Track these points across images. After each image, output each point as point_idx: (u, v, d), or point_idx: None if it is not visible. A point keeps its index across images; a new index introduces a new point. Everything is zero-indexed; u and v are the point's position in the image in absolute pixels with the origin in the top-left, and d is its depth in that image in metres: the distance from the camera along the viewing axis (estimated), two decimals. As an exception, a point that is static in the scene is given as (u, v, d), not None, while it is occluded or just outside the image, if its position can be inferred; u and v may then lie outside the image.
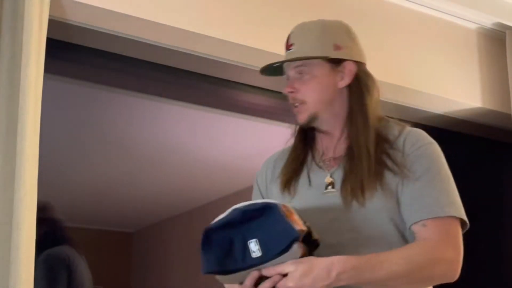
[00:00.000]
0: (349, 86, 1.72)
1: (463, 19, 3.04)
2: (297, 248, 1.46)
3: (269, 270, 1.49)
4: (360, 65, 1.74)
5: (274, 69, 1.80)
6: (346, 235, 1.63)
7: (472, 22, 3.07)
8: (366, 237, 1.62)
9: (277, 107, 2.85)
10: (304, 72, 1.71)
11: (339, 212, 1.64)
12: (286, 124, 3.20)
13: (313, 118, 1.71)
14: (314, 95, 1.70)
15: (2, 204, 1.88)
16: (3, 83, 1.96)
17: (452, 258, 1.60)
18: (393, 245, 1.61)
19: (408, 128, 1.71)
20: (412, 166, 1.63)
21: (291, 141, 1.82)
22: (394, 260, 1.56)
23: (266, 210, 1.47)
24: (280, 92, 2.77)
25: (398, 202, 1.63)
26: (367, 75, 1.75)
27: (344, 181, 1.66)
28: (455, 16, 3.02)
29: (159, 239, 7.16)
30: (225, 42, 2.44)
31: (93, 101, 3.98)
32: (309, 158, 1.76)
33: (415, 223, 1.61)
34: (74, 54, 2.37)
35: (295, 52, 1.72)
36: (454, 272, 1.61)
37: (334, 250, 1.57)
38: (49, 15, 2.06)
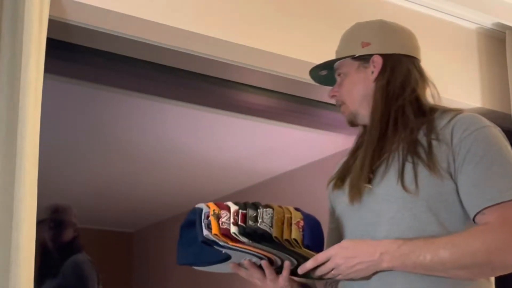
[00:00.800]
0: (376, 79, 1.75)
1: (463, 19, 3.04)
2: (227, 250, 1.54)
3: (315, 260, 1.56)
4: (390, 57, 1.76)
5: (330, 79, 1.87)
6: (370, 218, 1.63)
7: (472, 22, 3.07)
8: (385, 220, 1.61)
9: (277, 107, 2.85)
10: (341, 75, 1.80)
11: (366, 198, 1.65)
12: (286, 124, 3.22)
13: (354, 116, 1.77)
14: (349, 93, 1.78)
15: (2, 204, 1.88)
16: (3, 83, 1.96)
17: (509, 248, 1.51)
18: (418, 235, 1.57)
19: (459, 116, 1.65)
20: (466, 154, 1.58)
21: None
22: (442, 244, 1.52)
23: (194, 215, 1.58)
24: (280, 92, 2.79)
25: (445, 195, 1.58)
26: (397, 66, 1.76)
27: (378, 167, 1.66)
28: (455, 16, 3.02)
29: (159, 239, 7.15)
30: (225, 42, 2.44)
31: (93, 101, 3.98)
32: None
33: (475, 215, 1.55)
34: (74, 54, 2.37)
35: (326, 62, 1.84)
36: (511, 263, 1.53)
37: (369, 229, 1.62)
38: (49, 15, 2.06)
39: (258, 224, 1.54)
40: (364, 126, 1.78)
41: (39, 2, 2.01)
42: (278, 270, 1.61)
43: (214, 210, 1.55)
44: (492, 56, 3.15)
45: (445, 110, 1.70)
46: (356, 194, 1.65)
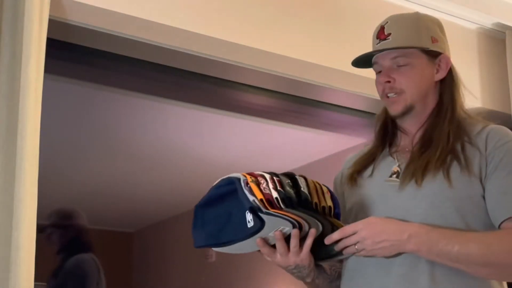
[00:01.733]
0: (443, 80, 1.74)
1: (463, 19, 3.04)
2: (269, 217, 1.48)
3: (342, 232, 1.55)
4: (450, 60, 1.77)
5: (363, 61, 1.77)
6: (396, 213, 1.61)
7: (472, 22, 3.07)
8: (410, 218, 1.59)
9: (277, 107, 2.85)
10: (403, 62, 1.70)
11: (392, 194, 1.64)
12: (286, 124, 3.22)
13: (409, 109, 1.71)
14: (413, 85, 1.70)
15: (2, 204, 1.88)
16: (3, 83, 1.95)
17: None
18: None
19: (492, 126, 1.67)
20: (498, 162, 1.60)
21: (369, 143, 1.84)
22: (472, 238, 1.53)
23: (232, 188, 1.53)
24: (279, 93, 2.79)
25: (472, 198, 1.60)
26: (457, 72, 1.78)
27: (408, 164, 1.66)
28: (455, 16, 3.02)
29: (159, 239, 7.15)
30: (225, 42, 2.44)
31: (93, 101, 3.98)
32: (385, 151, 1.76)
33: (503, 221, 1.57)
34: (74, 54, 2.37)
35: (393, 42, 1.70)
36: None
37: None
38: (49, 15, 2.06)
39: (300, 190, 1.52)
40: (385, 127, 1.77)
41: (39, 2, 2.01)
42: (301, 243, 1.57)
43: (251, 178, 1.52)
44: (492, 56, 3.15)
45: (474, 118, 1.73)
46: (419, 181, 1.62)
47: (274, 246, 1.57)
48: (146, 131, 4.53)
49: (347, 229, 1.56)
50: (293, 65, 2.60)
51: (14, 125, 1.92)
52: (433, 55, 1.73)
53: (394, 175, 1.67)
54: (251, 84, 2.73)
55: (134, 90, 2.80)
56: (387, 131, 1.78)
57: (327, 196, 1.58)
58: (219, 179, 1.60)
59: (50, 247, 3.49)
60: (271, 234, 1.53)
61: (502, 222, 1.57)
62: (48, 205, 3.62)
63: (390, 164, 1.71)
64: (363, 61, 1.77)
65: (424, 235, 1.53)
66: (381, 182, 1.69)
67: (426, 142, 1.68)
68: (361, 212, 1.68)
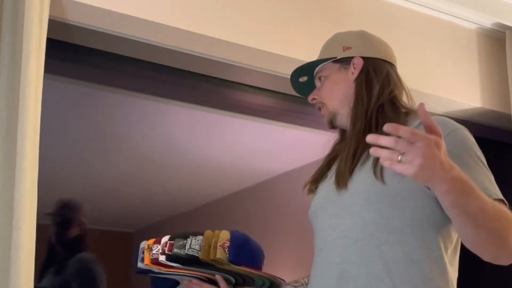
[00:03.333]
0: (357, 79, 1.80)
1: (463, 19, 3.04)
2: (168, 275, 1.82)
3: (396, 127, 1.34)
4: (370, 60, 1.82)
5: (307, 89, 1.91)
6: (336, 212, 1.67)
7: (472, 22, 3.07)
8: (349, 212, 1.64)
9: (277, 107, 2.85)
10: (321, 78, 1.85)
11: (334, 194, 1.70)
12: (286, 124, 3.22)
13: (334, 116, 1.81)
14: (329, 94, 1.83)
15: (2, 204, 1.88)
16: (3, 83, 1.95)
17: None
18: (383, 229, 1.60)
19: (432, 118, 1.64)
20: (449, 155, 1.53)
21: None
22: (490, 202, 1.48)
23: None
24: (280, 93, 2.79)
25: (409, 191, 1.59)
26: (377, 68, 1.81)
27: (339, 162, 1.74)
28: (455, 16, 3.02)
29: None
30: (225, 42, 2.44)
31: (93, 101, 3.98)
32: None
33: None
34: (74, 54, 2.37)
35: (312, 65, 1.88)
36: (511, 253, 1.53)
37: (333, 222, 1.67)
38: (49, 15, 2.06)
39: (186, 251, 1.75)
40: (342, 131, 1.84)
41: (39, 2, 2.01)
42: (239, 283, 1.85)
43: (148, 245, 1.80)
44: (492, 56, 3.15)
45: (415, 111, 1.75)
46: (343, 183, 1.67)
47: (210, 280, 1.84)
48: (146, 131, 4.53)
49: (417, 134, 1.36)
50: (293, 65, 2.59)
51: (14, 125, 1.92)
52: (347, 61, 1.83)
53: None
54: (251, 84, 2.73)
55: (134, 90, 2.79)
56: (336, 143, 1.87)
57: (219, 249, 1.77)
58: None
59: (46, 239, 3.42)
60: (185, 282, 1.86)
61: None
62: (48, 205, 3.63)
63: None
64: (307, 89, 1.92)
65: (462, 181, 1.41)
66: (328, 186, 1.75)
67: (347, 141, 1.76)
68: (314, 216, 1.77)
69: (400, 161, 1.34)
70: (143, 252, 1.82)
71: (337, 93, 1.81)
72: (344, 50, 1.84)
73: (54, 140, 4.39)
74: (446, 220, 1.59)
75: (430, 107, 3.02)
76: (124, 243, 7.59)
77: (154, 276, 1.85)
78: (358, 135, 1.71)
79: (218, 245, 1.77)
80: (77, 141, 4.73)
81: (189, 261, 1.76)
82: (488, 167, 1.65)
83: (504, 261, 1.58)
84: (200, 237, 1.78)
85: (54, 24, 2.13)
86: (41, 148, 1.97)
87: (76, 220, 3.58)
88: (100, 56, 2.41)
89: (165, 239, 1.80)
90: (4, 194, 1.89)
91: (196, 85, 2.64)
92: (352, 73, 1.81)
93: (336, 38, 1.90)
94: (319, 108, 1.85)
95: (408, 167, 1.34)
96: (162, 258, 1.78)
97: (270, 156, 4.97)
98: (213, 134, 4.54)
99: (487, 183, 1.59)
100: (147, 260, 1.80)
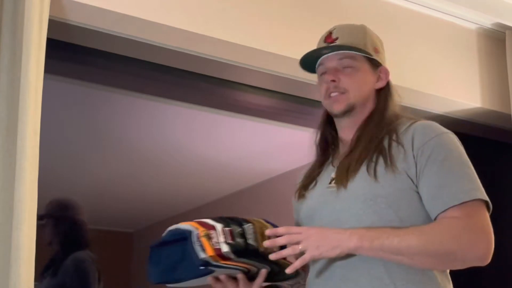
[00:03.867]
0: (380, 90, 1.82)
1: (463, 19, 3.04)
2: (220, 269, 1.58)
3: (288, 228, 1.60)
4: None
5: (309, 64, 1.86)
6: (335, 216, 1.68)
7: (472, 22, 3.07)
8: (348, 216, 1.66)
9: (277, 107, 2.85)
10: (348, 64, 1.78)
11: (331, 198, 1.71)
12: (286, 124, 3.22)
13: (351, 108, 1.77)
14: (357, 86, 1.77)
15: (2, 204, 1.88)
16: (3, 83, 1.96)
17: (478, 238, 1.59)
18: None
19: (417, 123, 1.73)
20: (428, 158, 1.65)
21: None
22: (410, 231, 1.59)
23: (185, 236, 1.59)
24: (279, 93, 2.79)
25: (402, 193, 1.65)
26: (392, 83, 1.86)
27: (338, 166, 1.74)
28: (455, 16, 3.02)
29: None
30: (225, 42, 2.44)
31: (93, 101, 3.98)
32: (328, 162, 1.83)
33: (439, 213, 1.61)
34: (74, 54, 2.37)
35: (341, 46, 1.78)
36: (483, 253, 1.59)
37: (331, 226, 1.66)
38: (49, 15, 2.06)
39: (247, 241, 1.60)
40: (326, 138, 1.85)
41: (39, 2, 2.01)
42: (249, 276, 1.67)
43: (203, 231, 1.58)
44: (492, 56, 3.15)
45: (405, 116, 1.80)
46: (345, 183, 1.69)
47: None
48: (146, 131, 4.53)
49: (293, 228, 1.62)
50: (293, 65, 2.59)
51: (14, 125, 1.92)
52: (375, 65, 1.82)
53: (333, 181, 1.73)
54: (251, 84, 2.73)
55: (134, 90, 2.79)
56: (327, 143, 1.86)
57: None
58: (170, 229, 1.67)
59: (43, 239, 3.38)
60: (221, 276, 1.63)
61: (439, 214, 1.62)
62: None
63: (330, 172, 1.77)
64: (309, 64, 1.86)
65: (365, 231, 1.58)
66: (322, 190, 1.76)
67: (354, 145, 1.75)
68: (306, 221, 1.77)
69: (302, 249, 1.56)
70: (198, 239, 1.56)
71: (363, 91, 1.79)
72: (375, 52, 1.82)
73: (54, 140, 4.39)
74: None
75: (430, 107, 3.03)
76: (124, 243, 7.60)
77: (183, 264, 1.60)
78: (366, 142, 1.72)
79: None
80: (77, 141, 4.73)
81: (248, 252, 1.60)
82: (472, 169, 1.68)
83: (477, 263, 1.62)
84: (251, 225, 1.63)
85: (54, 24, 2.13)
86: (41, 148, 1.97)
87: (68, 218, 3.54)
88: (100, 56, 2.41)
89: (217, 225, 1.60)
90: (4, 194, 1.89)
91: (196, 85, 2.64)
92: (378, 81, 1.82)
93: (367, 33, 1.84)
94: (334, 92, 1.77)
95: (309, 252, 1.56)
96: (226, 249, 1.57)
97: (269, 156, 4.97)
98: (213, 134, 4.54)
99: (465, 186, 1.63)
100: (210, 251, 1.55)
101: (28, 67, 1.94)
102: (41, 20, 2.01)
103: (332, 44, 1.79)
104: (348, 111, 1.77)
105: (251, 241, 1.60)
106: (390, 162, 1.66)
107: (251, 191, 5.77)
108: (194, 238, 1.56)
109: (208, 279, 1.65)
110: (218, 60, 2.52)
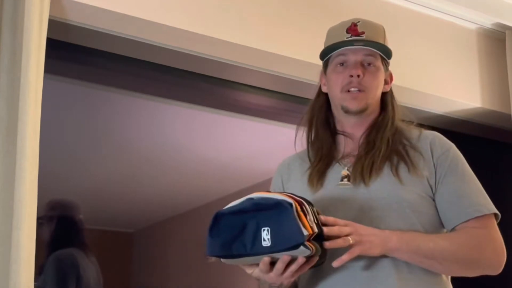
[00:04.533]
0: (386, 92, 1.82)
1: (463, 19, 3.04)
2: (304, 249, 1.45)
3: (335, 220, 1.53)
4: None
5: (326, 51, 1.80)
6: (353, 214, 1.62)
7: (472, 22, 3.07)
8: (369, 217, 1.62)
9: (277, 107, 2.85)
10: (372, 62, 1.75)
11: (348, 195, 1.67)
12: (286, 124, 3.22)
13: (366, 108, 1.75)
14: (375, 86, 1.76)
15: (2, 204, 1.88)
16: (3, 83, 1.95)
17: (499, 249, 1.66)
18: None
19: (428, 132, 1.77)
20: (447, 168, 1.69)
21: (303, 146, 1.87)
22: (441, 237, 1.65)
23: (279, 207, 1.47)
24: (279, 93, 2.79)
25: (424, 198, 1.67)
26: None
27: (355, 164, 1.70)
28: (455, 16, 3.02)
29: (159, 239, 7.15)
30: (225, 42, 2.44)
31: (93, 101, 3.98)
32: (334, 157, 1.79)
33: (462, 223, 1.66)
34: (74, 54, 2.37)
35: (371, 41, 1.74)
36: (500, 262, 1.66)
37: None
38: (49, 15, 2.06)
39: (319, 224, 1.51)
40: (337, 133, 1.81)
41: (39, 2, 2.01)
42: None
43: (298, 206, 1.47)
44: (492, 56, 3.15)
45: (409, 125, 1.81)
46: (367, 180, 1.67)
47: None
48: (146, 131, 4.53)
49: (339, 220, 1.55)
50: (293, 65, 2.60)
51: (14, 125, 1.92)
52: (386, 68, 1.82)
53: (345, 179, 1.70)
54: (251, 84, 2.73)
55: (134, 90, 2.79)
56: (329, 139, 1.81)
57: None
58: (261, 196, 1.52)
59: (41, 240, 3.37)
60: (286, 257, 1.49)
61: (459, 224, 1.66)
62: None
63: (338, 170, 1.72)
64: (325, 50, 1.80)
65: (402, 234, 1.60)
66: (333, 188, 1.70)
67: (370, 144, 1.73)
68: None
69: (352, 243, 1.52)
70: (297, 212, 1.44)
71: (378, 91, 1.78)
72: (391, 54, 1.80)
73: (54, 140, 4.39)
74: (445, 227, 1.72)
75: (430, 107, 3.02)
76: (124, 243, 7.60)
77: (247, 239, 1.47)
78: (385, 143, 1.72)
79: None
80: (77, 141, 4.73)
81: (318, 236, 1.49)
82: (478, 181, 1.74)
83: (491, 272, 1.69)
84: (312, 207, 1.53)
85: (54, 24, 2.13)
86: (41, 148, 1.97)
87: (56, 217, 3.54)
88: (100, 56, 2.41)
89: (302, 201, 1.49)
90: (4, 194, 1.89)
91: (196, 85, 2.64)
92: (387, 84, 1.82)
93: (385, 34, 1.81)
94: (356, 88, 1.73)
95: (358, 245, 1.53)
96: (316, 230, 1.46)
97: (269, 156, 4.97)
98: (213, 134, 4.54)
99: (481, 199, 1.70)
100: (309, 228, 1.44)
101: (28, 67, 1.94)
102: (41, 20, 2.01)
103: (362, 38, 1.74)
104: (364, 110, 1.74)
105: (320, 225, 1.50)
106: (413, 167, 1.67)
107: (251, 191, 5.71)
108: (295, 212, 1.45)
109: (265, 259, 1.49)
110: (218, 60, 2.52)
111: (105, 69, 2.49)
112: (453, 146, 1.75)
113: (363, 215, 1.63)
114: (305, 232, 1.43)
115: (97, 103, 4.03)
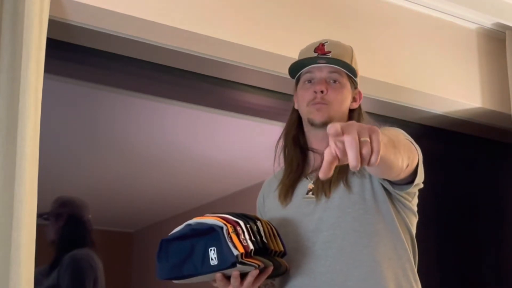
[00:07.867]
0: (353, 110, 1.91)
1: (463, 19, 3.04)
2: (242, 266, 1.59)
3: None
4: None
5: (290, 69, 1.94)
6: (313, 226, 1.75)
7: (472, 22, 3.07)
8: (327, 225, 1.74)
9: (277, 107, 2.85)
10: (337, 79, 1.87)
11: (311, 208, 1.78)
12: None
13: (330, 121, 1.81)
14: (340, 102, 1.86)
15: (2, 204, 1.88)
16: (3, 83, 1.96)
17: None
18: (362, 235, 1.72)
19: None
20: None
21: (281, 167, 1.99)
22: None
23: (211, 231, 1.60)
24: (279, 93, 2.79)
25: (370, 197, 1.75)
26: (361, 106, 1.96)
27: (317, 179, 1.81)
28: (455, 16, 3.02)
29: (159, 239, 7.14)
30: (225, 42, 2.44)
31: (93, 101, 3.98)
32: (304, 172, 1.90)
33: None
34: (74, 54, 2.37)
35: (335, 59, 1.87)
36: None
37: (310, 235, 1.74)
38: (49, 15, 2.06)
39: (263, 239, 1.63)
40: (302, 150, 1.90)
41: (39, 2, 2.01)
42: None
43: (231, 227, 1.59)
44: (492, 56, 3.15)
45: None
46: (327, 194, 1.77)
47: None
48: (146, 131, 4.53)
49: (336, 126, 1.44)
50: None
51: (14, 125, 1.92)
52: (354, 86, 1.92)
53: (310, 192, 1.82)
54: (251, 84, 2.73)
55: (134, 90, 2.79)
56: (304, 154, 1.92)
57: (277, 240, 1.68)
58: (189, 223, 1.67)
59: (46, 237, 3.36)
60: (234, 272, 1.63)
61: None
62: (48, 205, 3.62)
63: (305, 184, 1.86)
64: (291, 69, 1.93)
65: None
66: (299, 201, 1.83)
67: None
68: (283, 228, 1.78)
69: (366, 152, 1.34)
70: (228, 234, 1.58)
71: (343, 107, 1.87)
72: (356, 74, 1.90)
73: (54, 140, 4.39)
74: (405, 223, 1.79)
75: (430, 107, 3.03)
76: (124, 243, 7.59)
77: (193, 259, 1.63)
78: None
79: (275, 234, 1.68)
80: (76, 141, 4.72)
81: (262, 251, 1.62)
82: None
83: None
84: (259, 223, 1.66)
85: (54, 24, 2.14)
86: (41, 148, 1.96)
87: (69, 215, 3.53)
88: (100, 56, 2.41)
89: (239, 220, 1.62)
90: (4, 194, 1.89)
91: (196, 85, 2.64)
92: (355, 101, 1.90)
93: (353, 56, 1.92)
94: (320, 102, 1.84)
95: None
96: (251, 246, 1.59)
97: (269, 157, 4.97)
98: (213, 134, 4.54)
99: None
100: (241, 248, 1.58)
101: (28, 67, 1.94)
102: (41, 20, 2.01)
103: (327, 56, 1.86)
104: (327, 123, 1.81)
105: (264, 239, 1.63)
106: (359, 173, 1.76)
107: (251, 191, 5.75)
108: (225, 234, 1.58)
109: (217, 276, 1.64)
110: (218, 60, 2.52)
111: (105, 69, 2.50)
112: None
113: (322, 225, 1.75)
114: (235, 252, 1.56)
115: (97, 103, 4.03)
